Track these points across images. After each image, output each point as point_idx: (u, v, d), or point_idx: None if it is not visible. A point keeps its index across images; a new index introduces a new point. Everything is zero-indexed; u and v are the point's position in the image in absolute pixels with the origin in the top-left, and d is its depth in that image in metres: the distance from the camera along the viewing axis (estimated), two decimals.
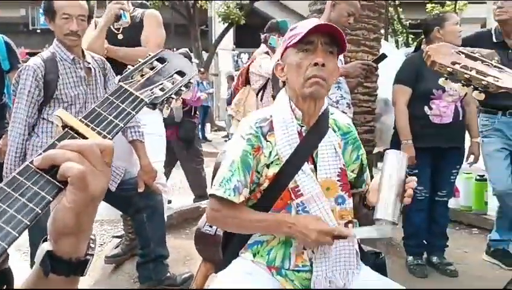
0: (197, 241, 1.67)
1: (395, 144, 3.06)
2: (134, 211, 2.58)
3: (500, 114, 3.10)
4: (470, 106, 3.13)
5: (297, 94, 1.46)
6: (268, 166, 1.44)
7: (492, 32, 3.16)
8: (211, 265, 1.63)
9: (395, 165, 1.33)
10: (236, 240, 1.51)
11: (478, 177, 4.15)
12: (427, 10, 15.86)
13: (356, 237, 1.42)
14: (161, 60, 0.96)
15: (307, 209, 1.41)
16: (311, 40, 1.42)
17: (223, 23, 15.65)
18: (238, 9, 15.65)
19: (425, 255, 3.24)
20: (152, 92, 0.88)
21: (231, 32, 17.33)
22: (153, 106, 0.88)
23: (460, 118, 3.00)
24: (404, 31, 17.13)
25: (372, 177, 1.60)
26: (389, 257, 3.36)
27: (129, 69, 0.90)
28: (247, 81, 4.01)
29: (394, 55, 3.61)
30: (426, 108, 2.95)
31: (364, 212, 1.54)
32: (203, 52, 16.19)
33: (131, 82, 0.88)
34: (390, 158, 1.35)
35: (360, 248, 1.56)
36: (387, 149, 1.41)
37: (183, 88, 0.95)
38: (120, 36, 2.97)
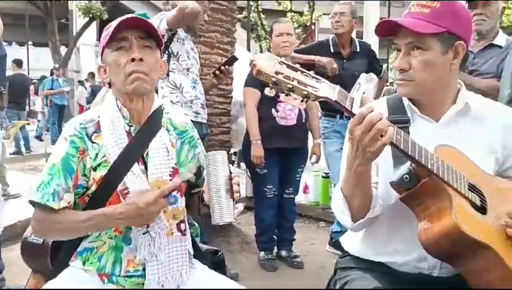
0: (24, 252, 1.52)
1: (246, 144, 3.19)
2: None
3: (338, 117, 3.41)
4: (313, 110, 3.38)
5: (122, 93, 1.42)
6: (95, 169, 1.37)
7: (330, 42, 3.46)
8: (41, 277, 1.51)
9: (219, 166, 1.36)
10: (64, 248, 1.42)
11: (324, 175, 4.49)
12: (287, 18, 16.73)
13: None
14: None
15: None
16: (124, 37, 1.37)
17: (84, 17, 14.81)
18: (100, 4, 14.92)
19: (275, 250, 3.42)
20: None
21: (94, 27, 16.44)
22: None
23: (303, 120, 3.22)
24: (268, 36, 17.83)
25: None
26: (243, 253, 3.53)
27: None
28: None
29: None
30: (273, 110, 3.11)
31: (206, 211, 1.52)
32: (63, 46, 15.16)
33: None
34: (213, 159, 1.37)
35: (196, 246, 1.56)
36: (209, 151, 1.42)
37: None
38: None
